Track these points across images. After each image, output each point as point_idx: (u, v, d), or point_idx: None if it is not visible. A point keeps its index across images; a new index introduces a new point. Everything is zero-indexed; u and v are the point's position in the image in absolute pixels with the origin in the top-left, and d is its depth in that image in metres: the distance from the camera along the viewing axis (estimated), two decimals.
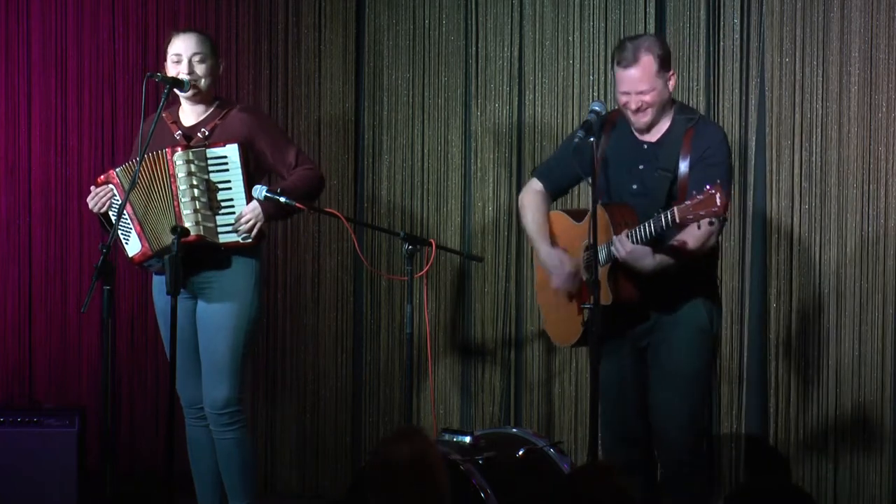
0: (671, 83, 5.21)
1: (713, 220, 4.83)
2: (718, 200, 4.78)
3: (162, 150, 5.58)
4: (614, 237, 5.04)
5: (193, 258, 5.53)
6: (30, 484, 6.45)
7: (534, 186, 5.53)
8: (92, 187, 5.67)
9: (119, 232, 5.62)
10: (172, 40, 5.69)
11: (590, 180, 5.20)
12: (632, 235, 5.02)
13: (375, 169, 6.96)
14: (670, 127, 5.21)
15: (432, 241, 5.77)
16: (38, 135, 7.06)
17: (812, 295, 6.25)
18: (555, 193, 5.55)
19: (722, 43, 6.35)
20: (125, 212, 5.59)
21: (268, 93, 7.00)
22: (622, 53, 5.17)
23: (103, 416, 5.59)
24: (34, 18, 7.05)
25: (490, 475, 5.10)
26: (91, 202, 5.66)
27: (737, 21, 6.32)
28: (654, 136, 5.22)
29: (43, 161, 7.06)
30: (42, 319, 7.08)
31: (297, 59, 7.02)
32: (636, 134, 5.24)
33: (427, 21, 6.86)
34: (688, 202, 4.85)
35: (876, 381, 6.18)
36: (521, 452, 5.31)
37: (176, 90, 5.64)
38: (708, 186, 4.79)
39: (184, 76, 5.63)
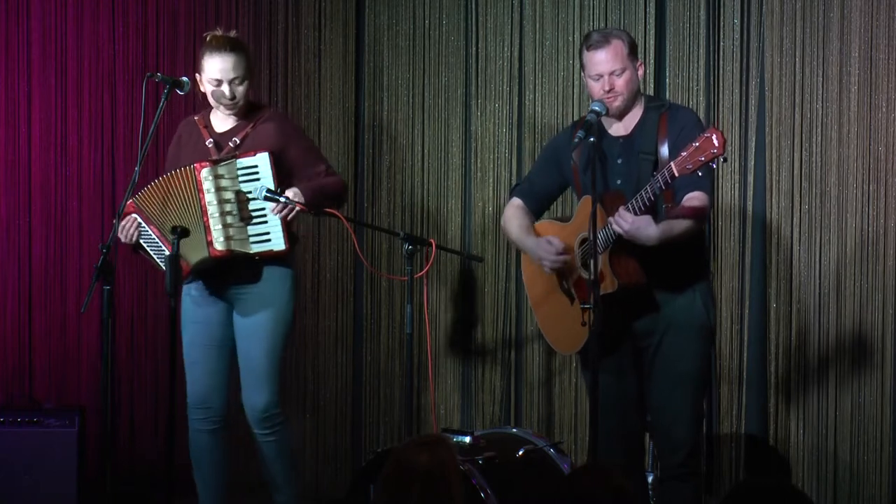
0: (640, 72, 5.22)
1: (714, 162, 4.77)
2: (716, 140, 4.71)
3: (190, 166, 5.58)
4: (610, 218, 4.98)
5: (229, 267, 5.60)
6: (30, 484, 6.45)
7: (514, 203, 5.50)
8: (114, 221, 5.60)
9: (155, 258, 5.67)
10: (208, 58, 5.65)
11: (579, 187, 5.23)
12: (630, 207, 4.97)
13: (375, 169, 6.97)
14: (642, 117, 5.20)
15: (432, 241, 5.77)
16: (38, 135, 7.06)
17: (812, 295, 6.25)
18: (537, 210, 5.50)
19: (722, 43, 6.35)
20: (153, 235, 5.60)
21: (268, 93, 7.00)
22: (590, 39, 5.18)
23: (103, 416, 5.59)
24: (34, 18, 7.05)
25: (490, 475, 5.10)
26: (121, 236, 5.64)
27: (737, 21, 6.32)
28: (627, 129, 5.22)
29: (43, 161, 7.06)
30: (42, 319, 7.08)
31: (297, 59, 7.02)
32: (609, 131, 5.23)
33: (427, 21, 6.86)
34: (683, 153, 4.79)
35: (876, 381, 6.18)
36: (521, 452, 5.31)
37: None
38: (701, 132, 4.77)
39: (226, 100, 5.64)
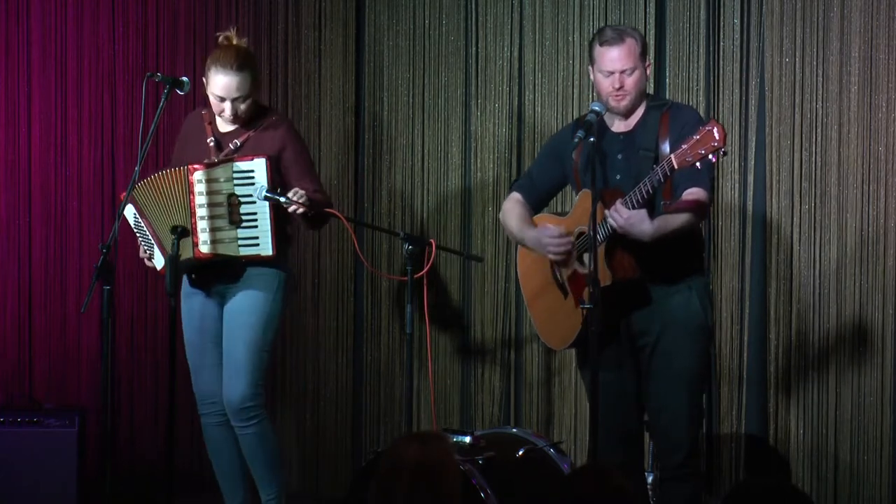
0: (648, 71, 5.25)
1: (714, 155, 4.78)
2: (717, 133, 4.73)
3: (184, 167, 5.61)
4: (606, 211, 4.99)
5: (217, 266, 5.65)
6: (30, 484, 6.45)
7: (513, 198, 5.51)
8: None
9: (143, 247, 5.75)
10: (213, 72, 5.65)
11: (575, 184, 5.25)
12: (627, 201, 4.98)
13: (375, 169, 6.97)
14: (644, 115, 5.22)
15: (432, 241, 5.77)
16: (38, 135, 7.06)
17: (812, 295, 6.25)
18: (536, 205, 5.50)
19: (722, 43, 6.35)
20: (146, 231, 5.68)
21: (268, 93, 7.00)
22: (604, 35, 5.21)
23: (103, 416, 5.60)
24: (34, 18, 7.05)
25: (490, 475, 5.10)
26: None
27: (737, 21, 6.32)
28: (629, 126, 5.23)
29: (43, 161, 7.06)
30: (42, 319, 7.08)
31: (297, 59, 7.02)
32: (611, 128, 5.25)
33: (427, 21, 6.86)
34: (684, 145, 4.81)
35: (876, 381, 6.18)
36: (521, 452, 5.31)
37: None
38: (702, 126, 4.78)
39: (227, 116, 5.66)
